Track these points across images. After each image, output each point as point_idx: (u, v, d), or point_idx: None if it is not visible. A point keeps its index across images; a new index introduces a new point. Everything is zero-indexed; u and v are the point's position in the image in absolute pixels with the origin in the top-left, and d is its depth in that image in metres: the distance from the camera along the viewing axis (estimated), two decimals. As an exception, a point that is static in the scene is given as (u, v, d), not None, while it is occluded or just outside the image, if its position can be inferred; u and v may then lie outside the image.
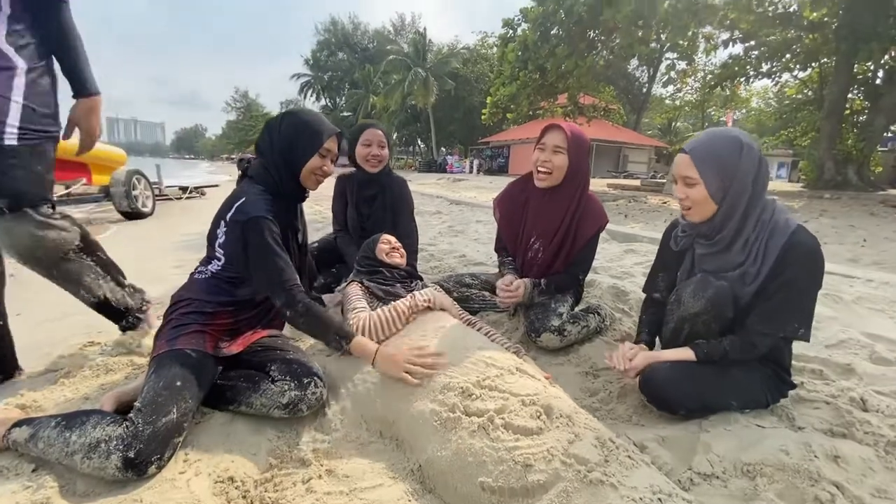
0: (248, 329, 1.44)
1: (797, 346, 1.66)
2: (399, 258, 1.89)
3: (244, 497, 1.06)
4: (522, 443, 1.03)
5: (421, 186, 13.51)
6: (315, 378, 1.31)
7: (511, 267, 2.03)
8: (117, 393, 1.33)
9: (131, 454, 1.03)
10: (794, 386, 1.38)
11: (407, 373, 1.26)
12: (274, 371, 1.32)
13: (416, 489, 1.10)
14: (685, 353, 1.32)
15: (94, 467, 1.04)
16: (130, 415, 1.11)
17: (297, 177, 1.43)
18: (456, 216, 6.51)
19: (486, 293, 2.16)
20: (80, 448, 1.05)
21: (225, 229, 1.36)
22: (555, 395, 1.19)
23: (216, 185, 12.22)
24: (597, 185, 13.00)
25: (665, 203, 7.68)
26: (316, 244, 2.48)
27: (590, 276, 2.74)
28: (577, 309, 2.01)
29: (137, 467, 1.04)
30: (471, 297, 2.09)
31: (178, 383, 1.17)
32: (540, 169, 1.83)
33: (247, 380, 1.31)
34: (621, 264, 3.27)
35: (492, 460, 1.02)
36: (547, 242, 1.91)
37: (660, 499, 0.90)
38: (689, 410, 1.31)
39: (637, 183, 12.38)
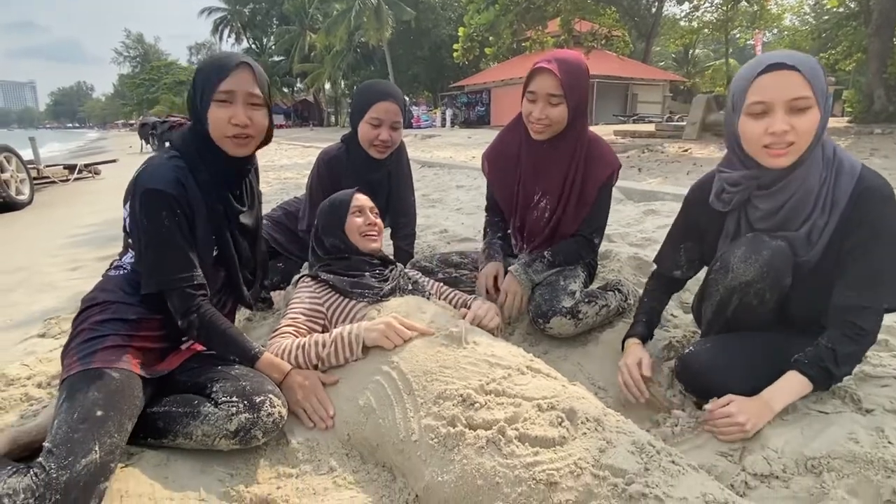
0: (183, 342, 1.40)
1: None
2: (374, 242, 1.77)
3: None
4: (543, 456, 1.04)
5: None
6: (270, 396, 1.29)
7: (498, 244, 2.04)
8: (12, 434, 1.29)
9: None
10: (858, 361, 1.43)
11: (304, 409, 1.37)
12: (217, 391, 1.29)
13: (413, 525, 1.11)
14: (798, 384, 1.26)
15: None
16: (39, 459, 1.07)
17: (209, 138, 1.38)
18: (430, 182, 6.48)
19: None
20: None
21: (127, 206, 1.35)
22: (577, 395, 1.21)
23: (114, 161, 11.83)
24: (601, 132, 13.11)
25: (687, 151, 7.79)
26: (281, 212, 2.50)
27: (605, 246, 2.78)
28: (592, 286, 2.04)
29: None
30: (460, 279, 2.10)
31: (99, 413, 1.13)
32: (535, 125, 1.83)
33: (183, 405, 1.29)
34: (641, 229, 3.34)
35: (507, 481, 1.03)
36: (555, 199, 1.93)
37: (714, 509, 0.93)
38: (737, 399, 1.34)
39: (651, 128, 12.53)
